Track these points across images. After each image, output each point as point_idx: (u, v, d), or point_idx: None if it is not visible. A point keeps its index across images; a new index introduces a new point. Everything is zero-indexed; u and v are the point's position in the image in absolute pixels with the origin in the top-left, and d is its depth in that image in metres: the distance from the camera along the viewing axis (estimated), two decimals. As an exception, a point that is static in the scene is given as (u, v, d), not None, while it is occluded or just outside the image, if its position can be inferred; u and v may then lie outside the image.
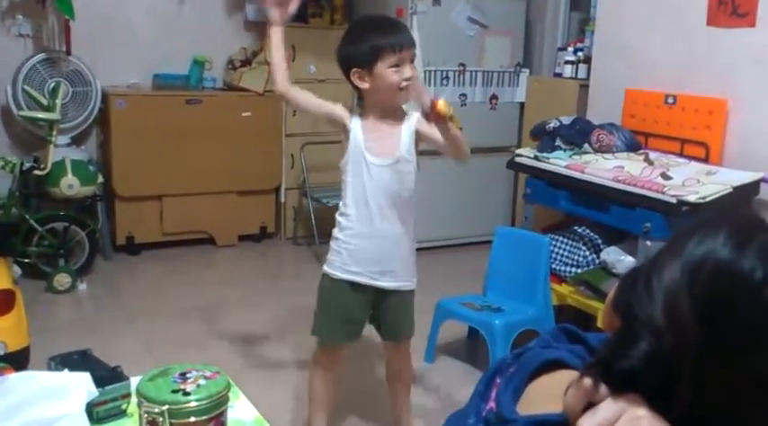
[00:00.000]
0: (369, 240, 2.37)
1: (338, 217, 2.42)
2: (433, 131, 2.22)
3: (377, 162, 2.33)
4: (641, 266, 0.73)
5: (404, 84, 2.24)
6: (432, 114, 2.09)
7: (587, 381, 0.69)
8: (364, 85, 2.27)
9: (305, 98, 2.40)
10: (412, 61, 2.28)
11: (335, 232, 2.44)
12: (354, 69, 2.26)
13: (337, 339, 2.52)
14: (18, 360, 2.76)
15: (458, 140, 2.25)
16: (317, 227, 4.91)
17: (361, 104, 2.40)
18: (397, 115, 2.37)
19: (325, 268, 2.47)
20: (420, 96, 2.18)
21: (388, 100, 2.30)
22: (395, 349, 2.62)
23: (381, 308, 2.48)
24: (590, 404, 0.69)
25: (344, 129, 2.36)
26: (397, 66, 2.23)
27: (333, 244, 2.45)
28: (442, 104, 2.07)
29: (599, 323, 3.21)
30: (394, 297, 2.46)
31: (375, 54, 2.22)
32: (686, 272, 0.66)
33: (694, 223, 0.71)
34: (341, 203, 2.43)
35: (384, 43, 2.22)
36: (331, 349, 2.55)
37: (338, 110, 2.38)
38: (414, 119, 2.35)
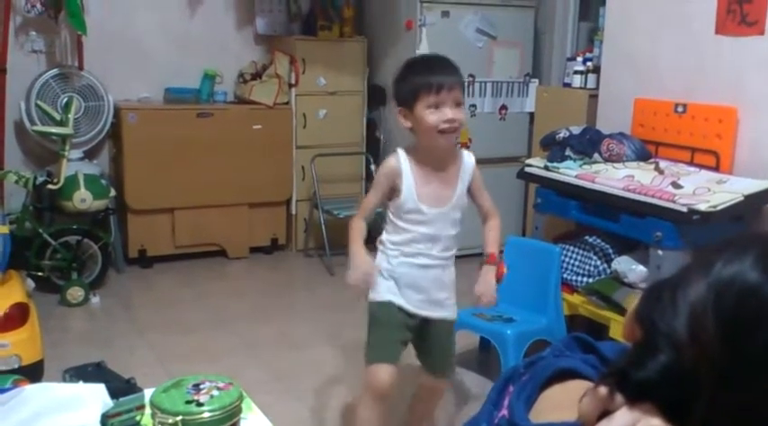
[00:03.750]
0: (417, 271, 2.33)
1: (390, 246, 2.35)
2: (480, 197, 2.37)
3: (432, 212, 2.27)
4: (667, 279, 0.73)
5: (443, 126, 2.16)
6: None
7: (603, 389, 0.69)
8: (407, 124, 2.24)
9: (370, 210, 2.35)
10: (458, 104, 2.19)
11: (382, 260, 2.37)
12: (399, 108, 2.25)
13: (387, 356, 2.40)
14: (32, 373, 2.78)
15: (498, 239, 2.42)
16: (328, 239, 4.92)
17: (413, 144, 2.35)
18: (449, 157, 2.31)
19: (372, 295, 2.39)
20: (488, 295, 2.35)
21: (428, 142, 2.23)
22: (430, 382, 2.58)
23: (424, 336, 2.44)
24: (605, 413, 0.69)
25: (398, 177, 2.28)
26: (436, 107, 2.16)
27: (379, 274, 2.36)
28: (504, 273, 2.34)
29: (611, 333, 3.21)
30: (438, 325, 2.43)
31: (414, 93, 2.18)
32: (713, 291, 0.66)
33: (723, 241, 0.72)
34: (387, 233, 2.37)
35: (422, 82, 2.17)
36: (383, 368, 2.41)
37: (388, 171, 2.29)
38: (469, 168, 2.33)
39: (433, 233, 2.28)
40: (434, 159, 2.28)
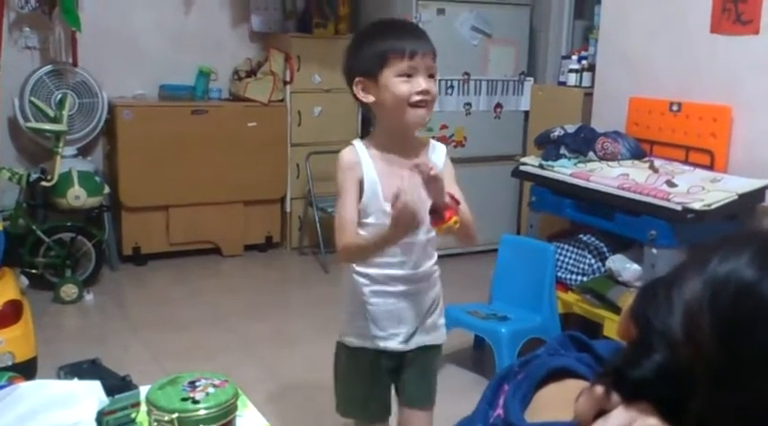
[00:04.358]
0: (396, 299, 1.95)
1: (356, 278, 1.95)
2: (455, 191, 1.79)
3: None
4: (663, 277, 0.72)
5: (416, 97, 1.80)
6: (437, 222, 1.70)
7: (599, 389, 0.69)
8: (368, 98, 1.85)
9: (354, 223, 1.89)
10: (431, 74, 1.84)
11: (349, 296, 1.98)
12: (357, 78, 1.85)
13: (369, 415, 2.10)
14: (25, 371, 2.77)
15: (468, 230, 1.86)
16: (322, 237, 4.92)
17: (370, 131, 1.98)
18: (414, 145, 1.93)
19: (340, 335, 2.05)
20: (439, 194, 1.69)
21: (397, 118, 1.84)
22: (412, 417, 2.10)
23: (406, 364, 2.03)
24: (601, 412, 0.69)
25: (359, 170, 1.88)
26: (408, 75, 1.80)
27: (348, 309, 2.00)
28: (451, 225, 1.69)
29: (605, 332, 3.22)
30: (425, 351, 2.04)
31: (381, 59, 1.80)
32: (708, 289, 0.66)
33: (719, 238, 0.72)
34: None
35: (392, 46, 1.80)
36: None
37: (348, 164, 1.88)
38: (441, 157, 1.95)
39: (405, 239, 1.80)
40: (400, 146, 1.89)
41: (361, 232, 1.87)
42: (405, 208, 1.62)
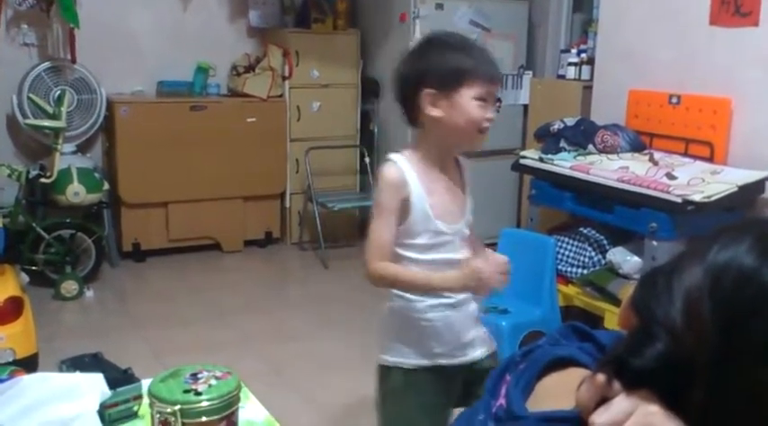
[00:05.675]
0: (452, 312, 1.84)
1: (403, 294, 1.84)
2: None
3: (449, 230, 1.80)
4: (663, 266, 0.72)
5: (485, 124, 1.76)
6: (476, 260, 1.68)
7: (601, 377, 0.69)
8: (434, 113, 1.73)
9: (392, 245, 1.79)
10: (494, 104, 1.80)
11: (396, 314, 1.87)
12: (428, 90, 1.73)
13: None
14: (26, 367, 2.76)
15: None
16: (322, 232, 4.92)
17: (415, 143, 1.86)
18: (454, 162, 1.89)
19: (391, 358, 1.86)
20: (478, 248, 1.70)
21: (460, 138, 1.79)
22: None
23: (473, 382, 1.86)
24: (603, 400, 0.69)
25: (405, 189, 1.77)
26: (483, 100, 1.74)
27: (396, 328, 1.87)
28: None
29: (605, 324, 3.22)
30: (483, 364, 1.90)
31: (460, 76, 1.72)
32: (708, 277, 0.66)
33: (719, 227, 0.71)
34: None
35: (475, 67, 1.73)
36: None
37: (394, 182, 1.76)
38: (469, 172, 1.92)
39: (454, 257, 1.75)
40: (445, 163, 1.84)
41: (408, 253, 1.79)
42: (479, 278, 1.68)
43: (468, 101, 1.73)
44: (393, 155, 1.81)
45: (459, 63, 1.73)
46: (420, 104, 1.74)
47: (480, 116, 1.73)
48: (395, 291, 1.84)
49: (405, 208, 1.76)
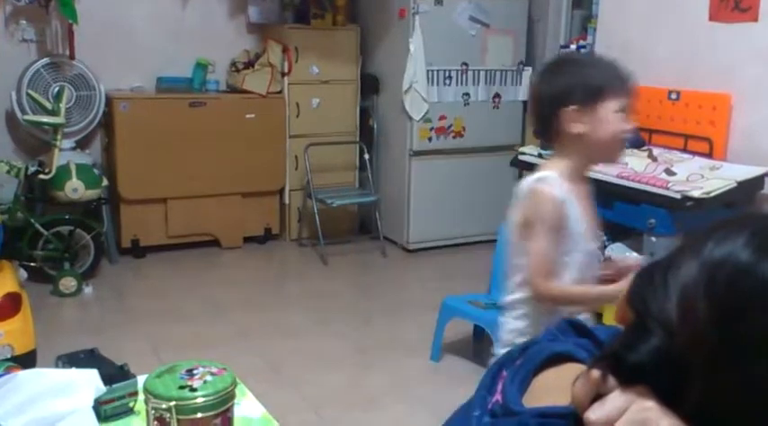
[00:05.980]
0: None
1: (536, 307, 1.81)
2: None
3: (593, 247, 1.82)
4: (659, 261, 0.72)
5: (627, 136, 1.80)
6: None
7: (596, 373, 0.69)
8: (578, 129, 1.73)
9: (554, 265, 1.77)
10: (632, 115, 1.82)
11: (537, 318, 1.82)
12: (572, 107, 1.72)
13: None
14: (25, 363, 2.75)
15: None
16: (321, 228, 4.91)
17: (557, 160, 1.83)
18: (587, 178, 1.87)
19: None
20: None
21: (605, 152, 1.80)
22: None
23: None
24: (598, 396, 0.69)
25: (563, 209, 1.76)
26: (624, 112, 1.76)
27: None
28: None
29: (604, 320, 3.21)
30: None
31: (603, 90, 1.73)
32: (704, 272, 0.65)
33: (715, 222, 0.71)
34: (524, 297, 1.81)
35: (615, 80, 1.76)
36: None
37: (555, 204, 1.75)
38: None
39: (593, 272, 1.78)
40: (582, 178, 1.83)
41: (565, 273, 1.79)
42: None
43: (611, 114, 1.74)
44: (547, 173, 1.79)
45: (600, 77, 1.75)
46: (562, 122, 1.74)
47: (624, 128, 1.75)
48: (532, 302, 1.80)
49: (561, 226, 1.75)
